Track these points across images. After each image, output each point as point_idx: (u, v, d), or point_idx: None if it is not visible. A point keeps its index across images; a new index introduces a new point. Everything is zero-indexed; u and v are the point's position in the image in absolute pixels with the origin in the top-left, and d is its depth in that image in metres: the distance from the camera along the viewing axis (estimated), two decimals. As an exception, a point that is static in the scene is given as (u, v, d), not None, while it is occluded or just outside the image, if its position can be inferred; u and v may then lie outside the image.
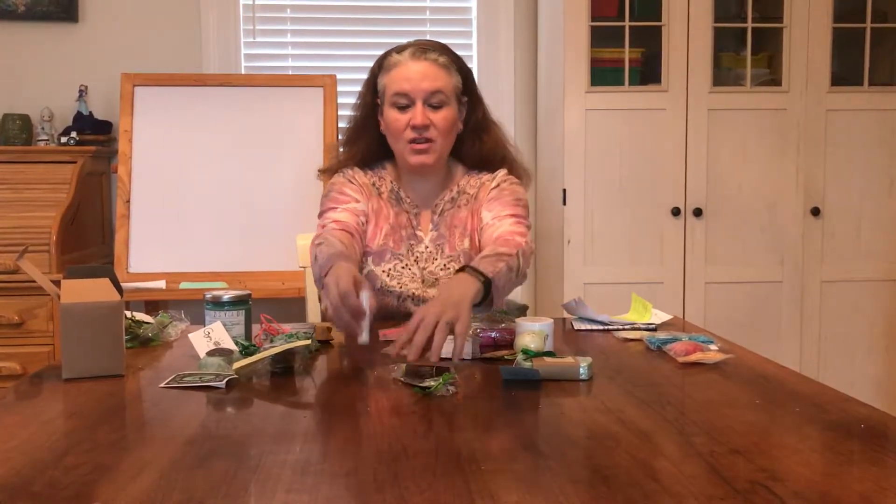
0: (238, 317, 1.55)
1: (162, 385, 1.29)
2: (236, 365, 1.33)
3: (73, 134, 3.15)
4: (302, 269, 2.11)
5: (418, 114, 1.75)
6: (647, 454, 0.98)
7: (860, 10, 3.09)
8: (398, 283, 1.82)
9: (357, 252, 1.74)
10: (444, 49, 1.82)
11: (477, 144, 1.89)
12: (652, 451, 0.99)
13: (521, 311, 1.75)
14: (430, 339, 1.32)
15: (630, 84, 3.05)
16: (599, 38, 3.05)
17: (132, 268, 2.98)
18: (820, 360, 3.14)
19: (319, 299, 1.51)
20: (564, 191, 3.05)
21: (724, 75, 3.15)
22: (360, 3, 3.50)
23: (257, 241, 3.04)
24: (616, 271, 3.06)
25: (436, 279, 1.82)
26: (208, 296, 1.56)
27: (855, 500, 0.84)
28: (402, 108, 1.77)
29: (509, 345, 1.50)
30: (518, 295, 3.18)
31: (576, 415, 1.16)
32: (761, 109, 3.08)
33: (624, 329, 1.69)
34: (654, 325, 1.72)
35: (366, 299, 1.37)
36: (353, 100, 1.92)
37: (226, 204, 3.08)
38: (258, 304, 1.66)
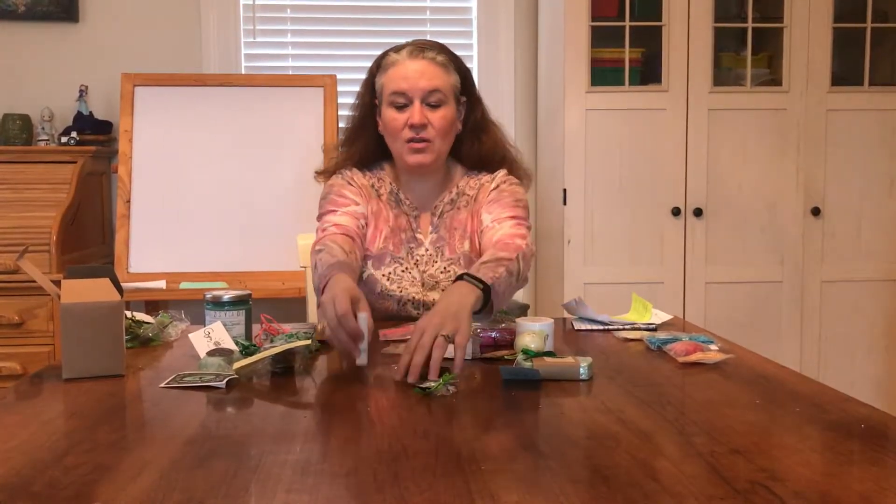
0: (238, 317, 1.55)
1: (162, 385, 1.29)
2: (236, 365, 1.33)
3: (74, 134, 3.15)
4: (302, 269, 2.11)
5: (416, 113, 1.74)
6: (648, 454, 0.98)
7: (860, 9, 3.09)
8: (398, 287, 1.81)
9: (357, 258, 1.72)
10: (442, 48, 1.81)
11: (476, 145, 1.87)
12: (652, 451, 0.99)
13: (522, 311, 1.75)
14: (429, 357, 1.32)
15: (630, 84, 3.05)
16: (600, 38, 3.05)
17: (132, 268, 2.98)
18: (820, 360, 3.14)
19: (318, 306, 1.49)
20: (565, 191, 3.05)
21: (724, 75, 3.15)
22: (360, 3, 3.50)
23: (257, 241, 3.04)
24: (616, 271, 3.06)
25: (436, 282, 1.81)
26: (208, 296, 1.56)
27: (855, 500, 0.84)
28: (400, 108, 1.75)
29: (509, 345, 1.50)
30: (518, 295, 3.18)
31: (576, 415, 1.16)
32: (761, 109, 3.08)
33: (624, 329, 1.69)
34: (654, 325, 1.72)
35: (364, 321, 1.34)
36: (353, 100, 1.91)
37: (226, 204, 3.08)
38: (258, 304, 1.66)
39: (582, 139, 3.04)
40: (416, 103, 1.74)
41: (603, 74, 3.05)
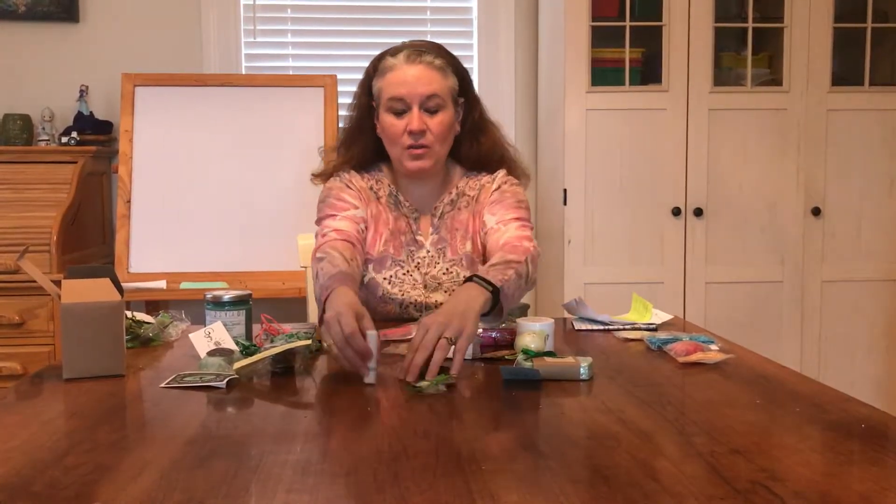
0: (238, 317, 1.55)
1: (162, 385, 1.29)
2: (237, 365, 1.33)
3: (74, 134, 3.15)
4: (303, 269, 2.11)
5: (415, 119, 1.72)
6: (648, 454, 0.98)
7: (861, 9, 3.09)
8: (400, 291, 1.80)
9: (359, 264, 1.70)
10: (439, 51, 1.78)
11: (475, 146, 1.86)
12: (652, 451, 0.99)
13: (522, 311, 1.75)
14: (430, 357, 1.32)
15: (630, 84, 3.05)
16: (600, 38, 3.05)
17: (133, 268, 2.98)
18: (820, 360, 3.14)
19: (320, 320, 1.48)
20: (565, 191, 3.05)
21: (724, 75, 3.15)
22: (360, 3, 3.50)
23: (258, 241, 3.04)
24: (616, 271, 3.06)
25: (438, 283, 1.81)
26: (209, 296, 1.56)
27: (855, 500, 0.84)
28: (399, 114, 1.74)
29: (510, 345, 1.50)
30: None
31: (576, 415, 1.16)
32: (762, 109, 3.08)
33: (624, 329, 1.69)
34: (654, 325, 1.72)
35: (373, 339, 1.33)
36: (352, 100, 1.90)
37: (226, 204, 3.08)
38: (259, 304, 1.66)
39: (582, 139, 3.04)
40: (415, 110, 1.72)
41: (603, 74, 3.05)
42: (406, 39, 1.85)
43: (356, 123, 1.85)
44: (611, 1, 3.06)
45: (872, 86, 3.10)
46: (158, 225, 3.04)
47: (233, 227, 3.06)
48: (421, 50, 1.76)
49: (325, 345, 1.42)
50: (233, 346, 1.43)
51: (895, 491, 0.86)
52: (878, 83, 3.14)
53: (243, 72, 3.42)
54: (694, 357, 1.43)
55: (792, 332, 3.13)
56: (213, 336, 1.45)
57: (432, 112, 1.74)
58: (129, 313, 1.60)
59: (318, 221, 1.81)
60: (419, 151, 1.75)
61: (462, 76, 1.81)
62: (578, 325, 1.75)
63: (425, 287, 1.80)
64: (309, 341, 1.41)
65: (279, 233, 2.98)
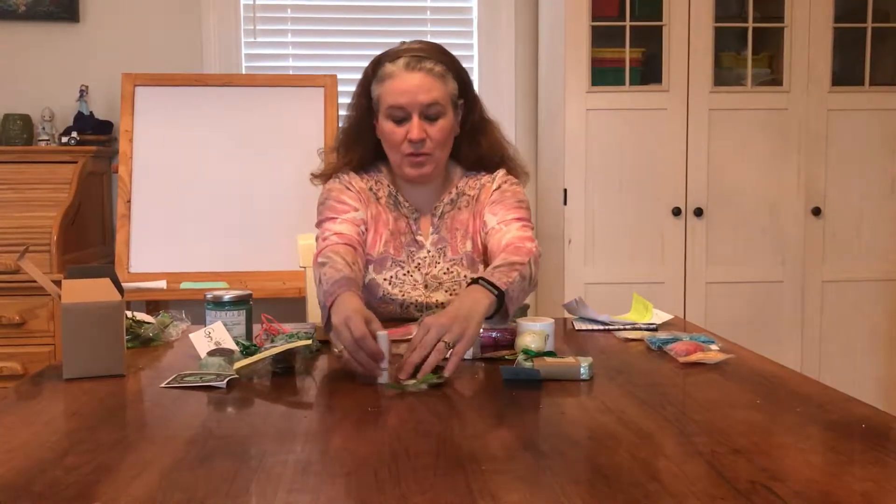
0: (239, 317, 1.55)
1: (163, 385, 1.29)
2: (237, 365, 1.33)
3: (74, 134, 3.15)
4: (302, 269, 2.11)
5: (415, 128, 1.71)
6: (648, 454, 0.98)
7: (861, 9, 3.09)
8: (400, 291, 1.80)
9: (360, 268, 1.70)
10: (439, 55, 1.76)
11: (474, 146, 1.85)
12: (653, 451, 0.99)
13: (522, 311, 1.75)
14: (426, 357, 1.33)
15: (631, 84, 3.05)
16: (600, 37, 3.05)
17: (133, 268, 2.98)
18: (821, 359, 3.14)
19: (326, 325, 1.48)
20: (565, 191, 3.05)
21: (724, 75, 3.15)
22: (360, 3, 3.50)
23: (258, 241, 3.04)
24: (617, 271, 3.06)
25: (439, 283, 1.81)
26: (209, 296, 1.56)
27: (856, 500, 0.84)
28: (398, 121, 1.73)
29: (510, 345, 1.50)
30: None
31: (577, 415, 1.16)
32: (762, 109, 3.08)
33: (625, 329, 1.69)
34: (654, 325, 1.72)
35: (383, 339, 1.33)
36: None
37: (226, 204, 3.08)
38: (259, 304, 1.66)
39: (582, 139, 3.04)
40: (415, 118, 1.71)
41: (603, 74, 3.05)
42: (406, 39, 1.84)
43: (355, 125, 1.84)
44: (611, 1, 3.06)
45: (873, 86, 3.10)
46: (159, 225, 3.04)
47: (233, 227, 3.06)
48: (420, 56, 1.74)
49: (335, 351, 1.42)
50: (233, 346, 1.43)
51: (896, 491, 0.86)
52: (879, 83, 3.13)
53: (243, 72, 3.42)
54: (694, 357, 1.43)
55: (792, 332, 3.13)
56: (213, 336, 1.45)
57: (432, 119, 1.73)
58: (129, 313, 1.60)
59: (319, 224, 1.80)
60: (419, 159, 1.74)
61: (462, 78, 1.80)
62: (579, 325, 1.75)
63: (426, 287, 1.80)
64: (309, 341, 1.41)
65: (279, 233, 2.98)
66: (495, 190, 1.84)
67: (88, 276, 1.38)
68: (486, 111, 1.87)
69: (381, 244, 1.81)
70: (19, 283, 2.75)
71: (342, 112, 2.97)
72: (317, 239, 1.79)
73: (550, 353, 1.38)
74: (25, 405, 1.24)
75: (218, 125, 3.13)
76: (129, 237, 3.01)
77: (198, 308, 1.64)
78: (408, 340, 1.51)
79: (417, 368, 1.32)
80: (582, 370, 1.31)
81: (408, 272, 1.81)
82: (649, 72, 3.10)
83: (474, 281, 1.51)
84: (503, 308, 1.50)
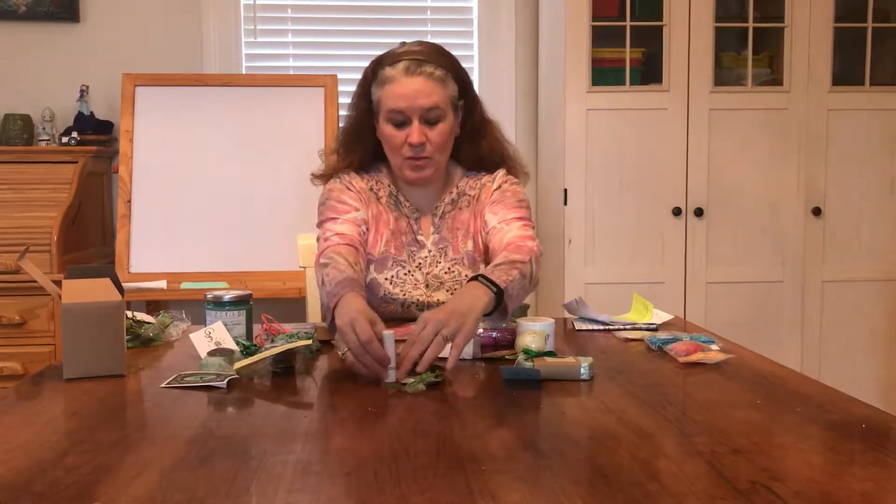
0: (239, 317, 1.55)
1: (163, 385, 1.29)
2: (237, 365, 1.33)
3: (74, 134, 3.15)
4: (302, 269, 2.11)
5: (415, 133, 1.71)
6: (649, 454, 0.98)
7: (861, 9, 3.09)
8: (401, 291, 1.80)
9: (362, 268, 1.70)
10: (439, 58, 1.76)
11: (475, 147, 1.86)
12: (653, 451, 0.99)
13: (522, 311, 1.75)
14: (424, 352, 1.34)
15: (631, 84, 3.05)
16: (600, 37, 3.05)
17: (133, 268, 2.98)
18: (821, 359, 3.14)
19: (331, 326, 1.48)
20: (565, 191, 3.05)
21: (725, 75, 3.15)
22: (360, 3, 3.50)
23: (258, 241, 3.04)
24: (617, 271, 3.06)
25: (440, 283, 1.81)
26: (209, 296, 1.56)
27: (856, 500, 0.84)
28: (398, 125, 1.73)
29: (510, 345, 1.50)
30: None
31: (577, 415, 1.16)
32: (762, 109, 3.08)
33: (625, 329, 1.69)
34: (654, 325, 1.72)
35: (389, 340, 1.32)
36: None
37: (227, 204, 3.08)
38: (259, 304, 1.66)
39: (583, 139, 3.04)
40: (415, 123, 1.71)
41: (604, 74, 3.05)
42: (406, 40, 1.84)
43: (355, 126, 1.84)
44: (611, 1, 3.06)
45: (873, 86, 3.10)
46: (159, 225, 3.04)
47: (233, 227, 3.06)
48: (420, 59, 1.73)
49: (339, 353, 1.41)
50: (233, 346, 1.43)
51: (896, 491, 0.86)
52: (879, 83, 3.13)
53: (243, 72, 3.42)
54: (694, 357, 1.43)
55: (792, 332, 3.13)
56: (213, 336, 1.45)
57: (432, 123, 1.73)
58: (129, 313, 1.60)
59: (320, 224, 1.80)
60: (420, 163, 1.75)
61: (462, 79, 1.80)
62: (579, 325, 1.75)
63: (427, 286, 1.81)
64: (309, 341, 1.41)
65: (279, 233, 2.98)
66: (496, 189, 1.84)
67: (89, 276, 1.38)
68: (487, 111, 1.88)
69: (382, 244, 1.82)
70: (19, 283, 2.75)
71: (342, 112, 2.98)
72: (318, 239, 1.79)
73: (551, 353, 1.38)
74: (25, 405, 1.24)
75: (218, 125, 3.14)
76: (129, 237, 3.01)
77: (198, 308, 1.64)
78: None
79: (417, 365, 1.32)
80: (582, 370, 1.31)
81: (409, 272, 1.81)
82: (649, 72, 3.10)
83: (474, 278, 1.52)
84: (502, 305, 1.50)
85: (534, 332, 1.43)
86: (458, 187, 1.87)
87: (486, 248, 1.82)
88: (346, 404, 1.22)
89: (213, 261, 3.01)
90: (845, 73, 3.18)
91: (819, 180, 3.10)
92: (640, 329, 1.69)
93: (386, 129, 1.75)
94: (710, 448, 0.99)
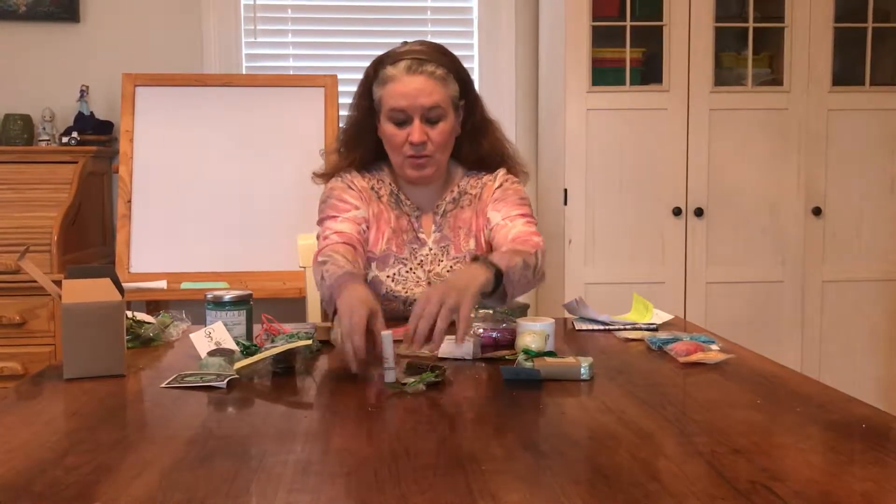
0: (239, 317, 1.55)
1: (163, 385, 1.29)
2: (237, 365, 1.33)
3: (75, 134, 3.15)
4: (302, 269, 2.11)
5: (416, 131, 1.72)
6: (649, 454, 0.98)
7: (861, 9, 3.09)
8: (403, 288, 1.81)
9: (360, 266, 1.72)
10: (440, 57, 1.77)
11: (475, 147, 1.87)
12: (653, 451, 0.99)
13: (522, 311, 1.75)
14: (432, 329, 1.35)
15: (631, 84, 3.05)
16: (600, 37, 3.05)
17: (133, 268, 2.98)
18: (821, 359, 3.14)
19: (333, 315, 1.49)
20: (565, 191, 3.05)
21: (725, 75, 3.15)
22: (360, 3, 3.50)
23: (258, 241, 3.04)
24: (617, 271, 3.06)
25: (442, 280, 1.81)
26: (209, 296, 1.56)
27: (856, 500, 0.84)
28: (400, 124, 1.74)
29: (510, 345, 1.50)
30: (519, 295, 3.18)
31: (577, 415, 1.16)
32: (762, 109, 3.08)
33: (625, 329, 1.69)
34: (655, 325, 1.72)
35: (387, 339, 1.31)
36: (352, 100, 1.90)
37: (227, 204, 3.08)
38: (259, 304, 1.66)
39: (583, 139, 3.04)
40: (416, 122, 1.72)
41: (604, 74, 3.05)
42: (406, 40, 1.84)
43: (357, 125, 1.85)
44: (611, 1, 3.06)
45: (873, 86, 3.10)
46: (159, 225, 3.04)
47: (233, 227, 3.06)
48: (422, 59, 1.74)
49: (333, 335, 1.42)
50: (233, 346, 1.43)
51: (896, 491, 0.86)
52: (879, 83, 3.13)
53: (244, 72, 3.42)
54: (694, 357, 1.43)
55: (792, 332, 3.13)
56: (213, 336, 1.45)
57: (433, 122, 1.74)
58: (129, 313, 1.60)
59: (320, 222, 1.82)
60: (420, 161, 1.76)
61: (463, 79, 1.81)
62: (579, 325, 1.75)
63: (429, 284, 1.81)
64: (309, 341, 1.41)
65: (279, 233, 2.98)
66: (497, 188, 1.86)
67: (89, 276, 1.38)
68: (487, 111, 1.88)
69: (384, 242, 1.83)
70: (20, 283, 2.76)
71: (342, 112, 2.98)
72: (318, 237, 1.80)
73: (551, 353, 1.38)
74: (25, 405, 1.24)
75: (218, 125, 3.14)
76: (129, 237, 3.01)
77: (198, 308, 1.64)
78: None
79: (416, 369, 1.32)
80: (582, 370, 1.31)
81: (410, 269, 1.82)
82: (650, 72, 3.10)
83: (474, 259, 1.54)
84: (501, 288, 1.51)
85: (534, 332, 1.43)
86: (459, 186, 1.88)
87: (490, 245, 1.83)
88: (346, 404, 1.22)
89: (213, 261, 3.01)
90: (845, 73, 3.18)
91: (819, 180, 3.10)
92: (641, 329, 1.69)
93: (387, 128, 1.76)
94: (710, 448, 0.99)
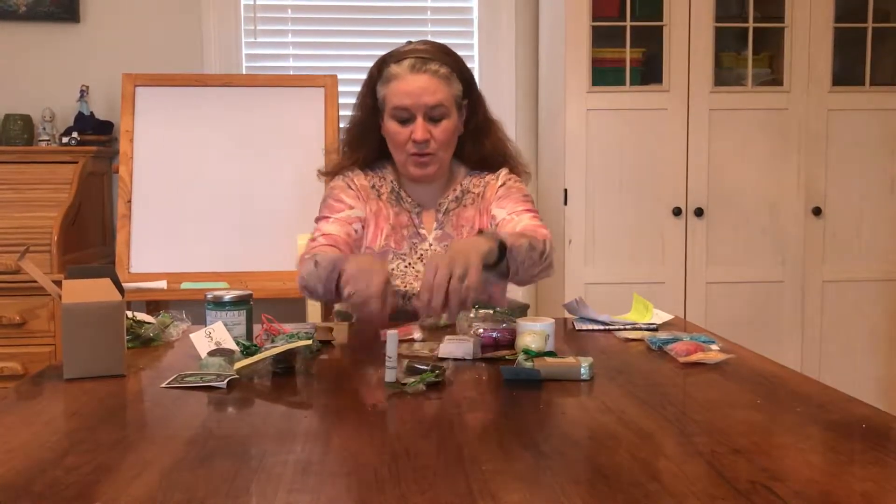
0: (239, 317, 1.55)
1: (163, 385, 1.29)
2: (237, 365, 1.33)
3: (75, 134, 3.15)
4: (303, 269, 2.11)
5: (419, 129, 1.74)
6: (649, 454, 0.98)
7: (861, 9, 3.09)
8: (402, 283, 1.82)
9: None
10: (444, 57, 1.79)
11: (478, 146, 1.89)
12: (653, 451, 0.99)
13: (522, 310, 1.75)
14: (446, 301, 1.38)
15: (631, 84, 3.05)
16: (600, 37, 3.05)
17: (133, 268, 2.98)
18: (821, 359, 3.14)
19: (336, 286, 1.52)
20: (566, 191, 3.05)
21: (725, 75, 3.15)
22: (360, 3, 3.50)
23: (258, 241, 3.04)
24: (617, 271, 3.06)
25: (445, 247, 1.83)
26: (209, 296, 1.56)
27: (856, 500, 0.84)
28: (403, 122, 1.76)
29: (510, 345, 1.50)
30: (519, 295, 3.18)
31: (577, 415, 1.16)
32: (762, 109, 3.08)
33: (625, 329, 1.69)
34: (655, 325, 1.72)
35: (392, 339, 1.30)
36: (353, 100, 1.91)
37: (227, 204, 3.08)
38: (259, 304, 1.66)
39: (583, 139, 3.04)
40: (419, 120, 1.74)
41: (604, 74, 3.05)
42: (407, 40, 1.85)
43: (361, 124, 1.87)
44: (611, 1, 3.06)
45: (873, 86, 3.10)
46: (159, 225, 3.04)
47: (233, 227, 3.06)
48: (425, 58, 1.76)
49: (344, 293, 1.45)
50: (233, 346, 1.43)
51: (896, 491, 0.86)
52: (879, 83, 3.13)
53: (244, 72, 3.42)
54: (695, 357, 1.43)
55: (793, 332, 3.13)
56: (213, 336, 1.45)
57: (436, 120, 1.76)
58: (129, 313, 1.60)
59: (316, 220, 1.86)
60: (423, 159, 1.77)
61: (466, 78, 1.83)
62: (579, 325, 1.75)
63: None
64: (309, 341, 1.41)
65: (279, 233, 2.98)
66: (500, 186, 1.88)
67: (89, 276, 1.38)
68: (490, 111, 1.90)
69: (382, 238, 1.84)
70: (20, 283, 2.76)
71: (342, 112, 2.99)
72: (312, 233, 1.83)
73: (551, 353, 1.38)
74: (25, 405, 1.24)
75: (218, 125, 3.14)
76: (129, 237, 3.01)
77: (198, 308, 1.64)
78: (410, 340, 1.52)
79: (418, 370, 1.32)
80: (582, 370, 1.31)
81: (409, 264, 1.83)
82: (650, 72, 3.10)
83: (479, 233, 1.55)
84: (504, 263, 1.52)
85: (534, 332, 1.43)
86: (461, 185, 1.89)
87: None
88: (346, 404, 1.22)
89: (213, 261, 3.01)
90: (845, 73, 3.18)
91: (819, 180, 3.10)
92: (641, 329, 1.69)
93: (390, 126, 1.77)
94: (710, 448, 0.99)
